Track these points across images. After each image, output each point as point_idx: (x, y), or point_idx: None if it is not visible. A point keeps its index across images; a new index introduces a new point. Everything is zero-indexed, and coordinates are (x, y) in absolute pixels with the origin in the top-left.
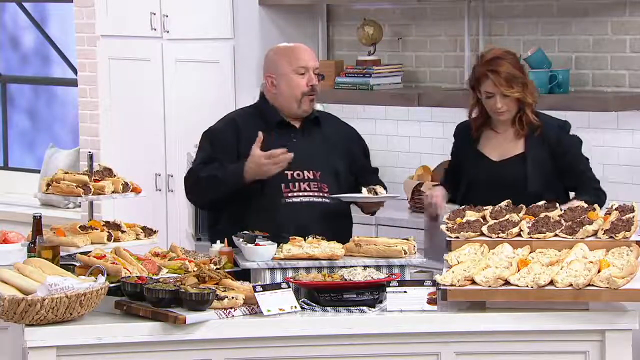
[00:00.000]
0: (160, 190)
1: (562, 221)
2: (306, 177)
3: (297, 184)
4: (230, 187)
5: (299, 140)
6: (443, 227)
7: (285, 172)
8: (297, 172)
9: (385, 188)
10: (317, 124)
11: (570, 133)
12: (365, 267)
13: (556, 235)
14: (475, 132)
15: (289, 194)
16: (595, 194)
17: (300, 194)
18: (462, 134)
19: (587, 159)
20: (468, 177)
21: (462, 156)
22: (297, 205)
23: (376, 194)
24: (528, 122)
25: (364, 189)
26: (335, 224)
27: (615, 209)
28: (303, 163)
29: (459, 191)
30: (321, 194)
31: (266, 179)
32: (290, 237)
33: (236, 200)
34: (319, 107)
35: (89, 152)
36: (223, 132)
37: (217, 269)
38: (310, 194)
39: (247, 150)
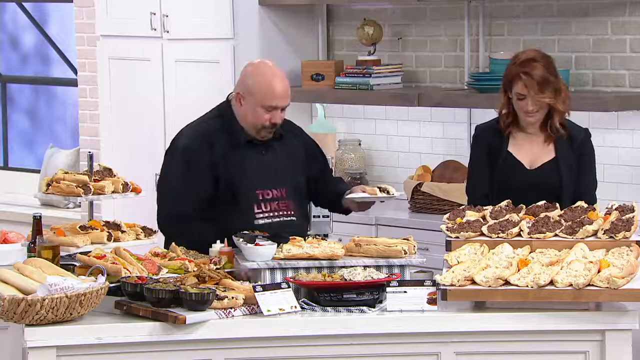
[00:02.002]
0: None
1: (562, 221)
2: (275, 196)
3: (267, 204)
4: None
5: (266, 156)
6: (443, 227)
7: (256, 191)
8: (267, 191)
9: (346, 184)
10: (280, 137)
11: (591, 142)
12: (365, 267)
13: (556, 235)
14: (505, 132)
15: (261, 215)
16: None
17: (271, 214)
18: (487, 136)
19: (595, 170)
20: (500, 180)
21: (492, 157)
22: (268, 225)
23: (388, 192)
24: (555, 129)
25: (374, 189)
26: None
27: (615, 209)
28: (271, 181)
29: (493, 190)
30: (288, 212)
31: (238, 198)
32: (291, 237)
33: (208, 220)
34: (319, 108)
35: (89, 152)
36: (199, 152)
37: (217, 269)
38: (280, 213)
39: (221, 169)
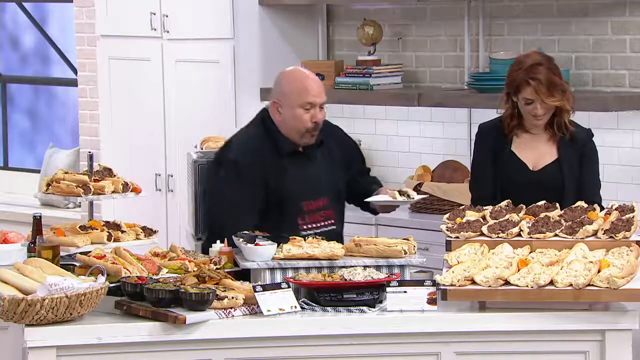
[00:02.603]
0: (160, 190)
1: (562, 221)
2: (317, 207)
3: (311, 215)
4: None
5: (309, 167)
6: (443, 227)
7: (301, 202)
8: (311, 202)
9: (381, 184)
10: (320, 144)
11: (594, 142)
12: (365, 267)
13: (556, 235)
14: (508, 132)
15: (304, 226)
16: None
17: (313, 225)
18: (490, 135)
19: (598, 169)
20: (503, 179)
21: (495, 156)
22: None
23: (409, 196)
24: (563, 128)
25: (394, 192)
26: None
27: (615, 209)
28: (314, 191)
29: (497, 189)
30: (329, 222)
31: (284, 210)
32: (291, 237)
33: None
34: None
35: (89, 152)
36: (250, 166)
37: (217, 269)
38: (322, 223)
39: (270, 182)
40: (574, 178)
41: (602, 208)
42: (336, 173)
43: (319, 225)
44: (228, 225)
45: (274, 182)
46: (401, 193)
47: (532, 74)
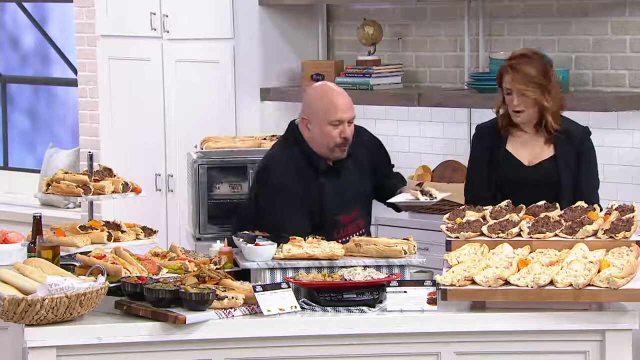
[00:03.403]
0: (160, 190)
1: (562, 221)
2: (351, 219)
3: (346, 228)
4: None
5: (342, 179)
6: (443, 227)
7: (339, 217)
8: (346, 215)
9: (405, 181)
10: (349, 154)
11: (591, 141)
12: (365, 267)
13: (556, 235)
14: (503, 131)
15: (339, 240)
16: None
17: (348, 237)
18: (487, 135)
19: (597, 168)
20: (499, 179)
21: (491, 156)
22: None
23: (431, 196)
24: (549, 127)
25: (416, 192)
26: None
27: (615, 209)
28: (348, 204)
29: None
30: (361, 232)
31: (323, 227)
32: (291, 237)
33: None
34: None
35: (89, 152)
36: (295, 185)
37: (217, 269)
38: (354, 234)
39: (309, 201)
40: (570, 175)
41: (600, 208)
42: (366, 180)
43: (351, 236)
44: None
45: (312, 200)
46: (423, 193)
47: (512, 62)
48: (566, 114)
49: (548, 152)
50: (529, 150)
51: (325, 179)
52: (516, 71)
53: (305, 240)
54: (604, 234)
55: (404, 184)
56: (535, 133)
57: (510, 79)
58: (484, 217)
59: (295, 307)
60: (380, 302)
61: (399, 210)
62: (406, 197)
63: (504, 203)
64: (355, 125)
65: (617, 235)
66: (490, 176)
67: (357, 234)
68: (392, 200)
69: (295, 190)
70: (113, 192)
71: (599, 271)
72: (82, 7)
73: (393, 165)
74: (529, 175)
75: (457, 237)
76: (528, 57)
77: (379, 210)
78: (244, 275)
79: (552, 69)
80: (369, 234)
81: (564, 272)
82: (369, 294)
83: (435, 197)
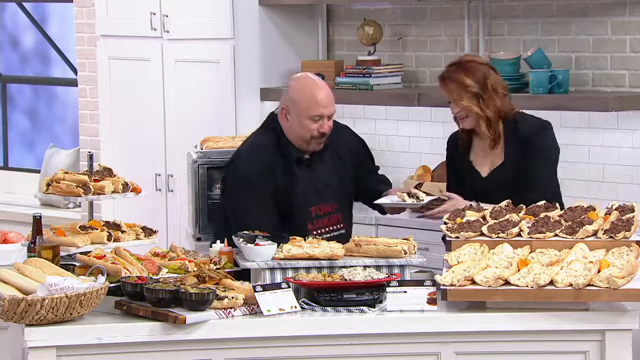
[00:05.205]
0: (160, 190)
1: (562, 221)
2: (326, 212)
3: (320, 220)
4: None
5: (316, 172)
6: (443, 227)
7: (309, 208)
8: (319, 206)
9: (390, 184)
10: (326, 148)
11: (547, 137)
12: (365, 267)
13: (556, 235)
14: (463, 141)
15: (314, 232)
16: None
17: (322, 230)
18: (453, 144)
19: (551, 168)
20: (464, 188)
21: (456, 166)
22: None
23: (418, 198)
24: (485, 136)
25: (403, 195)
26: None
27: (615, 209)
28: (322, 197)
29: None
30: (338, 226)
31: (294, 216)
32: (291, 237)
33: None
34: None
35: (89, 152)
36: (261, 178)
37: (217, 269)
38: (331, 227)
39: (280, 192)
40: (522, 177)
41: (562, 207)
42: (346, 177)
43: (328, 229)
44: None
45: (283, 189)
46: (410, 195)
47: (444, 73)
48: (566, 113)
49: (500, 158)
50: (486, 158)
51: (298, 169)
52: (449, 81)
53: (305, 240)
54: (604, 234)
55: (389, 186)
56: (486, 139)
57: (444, 89)
58: (484, 217)
59: (295, 307)
60: (380, 302)
61: (384, 212)
62: (392, 199)
63: (504, 203)
64: (338, 122)
65: (617, 235)
66: (457, 185)
67: (335, 228)
68: (379, 201)
69: (261, 184)
70: (113, 192)
71: (599, 271)
72: (82, 7)
73: (378, 167)
74: (485, 185)
75: (457, 237)
76: (462, 66)
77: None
78: (244, 275)
79: (496, 76)
80: (349, 231)
81: (564, 272)
82: (369, 294)
83: (422, 200)
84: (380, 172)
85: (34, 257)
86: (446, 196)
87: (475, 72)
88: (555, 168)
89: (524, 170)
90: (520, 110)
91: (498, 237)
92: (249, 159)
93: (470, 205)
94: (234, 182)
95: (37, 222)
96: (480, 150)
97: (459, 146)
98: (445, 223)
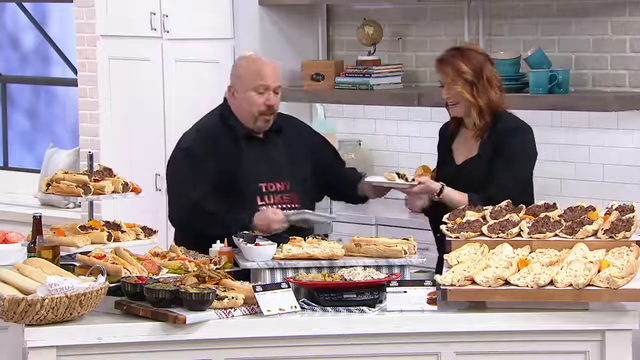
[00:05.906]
0: (160, 190)
1: (562, 221)
2: (278, 189)
3: (271, 196)
4: (228, 231)
5: (267, 149)
6: (443, 227)
7: (260, 184)
8: (270, 183)
9: (361, 175)
10: (279, 131)
11: (520, 139)
12: (365, 267)
13: (556, 235)
14: (452, 129)
15: (264, 207)
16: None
17: (273, 206)
18: (443, 134)
19: (521, 171)
20: (440, 176)
21: (440, 154)
22: None
23: (407, 179)
24: (475, 125)
25: (392, 174)
26: (307, 234)
27: (615, 209)
28: (273, 173)
29: None
30: (293, 205)
31: (242, 191)
32: (291, 237)
33: (215, 213)
34: (319, 108)
35: (89, 152)
36: (201, 150)
37: (217, 269)
38: (284, 205)
39: (224, 164)
40: (490, 173)
41: (527, 205)
42: (300, 162)
43: (281, 207)
44: (179, 203)
45: (228, 165)
46: (400, 175)
47: (443, 55)
48: (566, 113)
49: (475, 150)
50: (465, 148)
51: (248, 145)
52: (446, 64)
53: (305, 240)
54: (604, 234)
55: (361, 175)
56: (471, 129)
57: (440, 71)
58: (484, 217)
59: (295, 307)
60: (380, 302)
61: (365, 199)
62: (380, 179)
63: (504, 203)
64: (297, 119)
65: (617, 235)
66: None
67: (290, 206)
68: (368, 179)
69: (200, 153)
70: (113, 192)
71: (599, 271)
72: (82, 7)
73: (344, 162)
74: (456, 174)
75: (457, 237)
76: (461, 52)
77: (379, 210)
78: (244, 275)
79: (492, 68)
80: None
81: (564, 272)
82: (369, 294)
83: (412, 180)
84: (378, 173)
85: (34, 257)
86: (417, 182)
87: (473, 60)
88: (526, 171)
89: (491, 166)
90: (509, 111)
91: (498, 237)
92: (192, 135)
93: (442, 186)
94: (175, 154)
95: (37, 222)
96: (463, 139)
97: (450, 135)
98: (445, 223)
